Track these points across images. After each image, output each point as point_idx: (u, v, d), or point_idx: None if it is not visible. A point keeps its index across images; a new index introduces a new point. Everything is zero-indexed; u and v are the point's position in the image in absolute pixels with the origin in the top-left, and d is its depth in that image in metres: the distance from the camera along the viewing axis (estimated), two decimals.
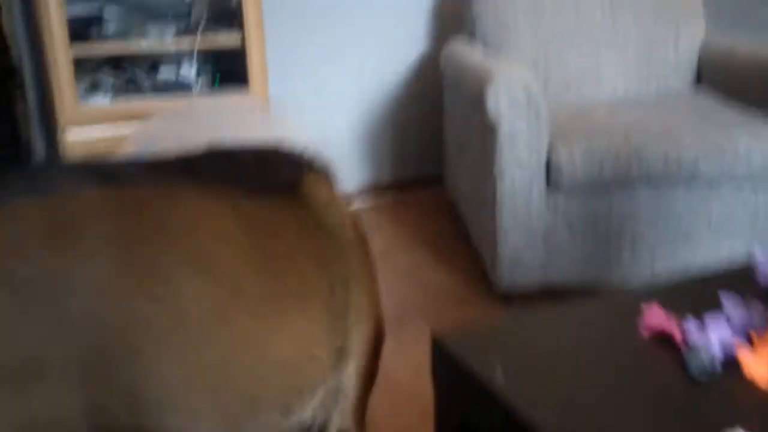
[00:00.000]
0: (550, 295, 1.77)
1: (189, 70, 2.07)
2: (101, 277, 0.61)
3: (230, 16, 1.97)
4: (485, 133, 1.69)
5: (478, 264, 1.95)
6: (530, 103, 1.59)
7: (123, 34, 1.90)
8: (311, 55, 2.40)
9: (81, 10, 1.85)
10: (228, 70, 2.06)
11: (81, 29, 1.81)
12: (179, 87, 2.00)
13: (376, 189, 2.61)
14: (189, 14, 1.98)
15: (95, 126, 1.79)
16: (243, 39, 1.89)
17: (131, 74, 2.01)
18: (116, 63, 2.01)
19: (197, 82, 2.03)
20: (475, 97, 1.71)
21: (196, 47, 1.94)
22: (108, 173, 0.69)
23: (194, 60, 2.04)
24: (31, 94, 2.18)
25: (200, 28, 1.94)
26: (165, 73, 2.03)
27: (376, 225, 2.38)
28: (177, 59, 2.04)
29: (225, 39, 1.92)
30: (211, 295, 0.66)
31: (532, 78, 1.65)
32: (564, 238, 1.66)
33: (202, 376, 0.64)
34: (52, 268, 0.60)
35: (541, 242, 1.67)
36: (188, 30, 1.95)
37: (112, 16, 1.91)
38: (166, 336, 0.62)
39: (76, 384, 0.59)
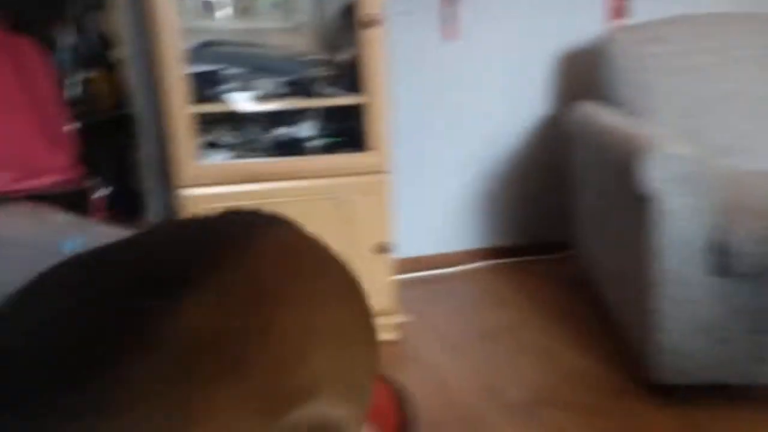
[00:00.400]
0: (714, 391, 1.53)
1: (307, 130, 2.00)
2: None
3: (352, 77, 1.89)
4: (633, 205, 1.51)
5: (622, 347, 1.74)
6: (692, 176, 1.40)
7: (243, 94, 1.85)
8: (432, 116, 2.33)
9: (202, 67, 1.81)
10: (347, 130, 1.98)
11: (201, 87, 1.78)
12: (297, 147, 1.93)
13: (496, 252, 2.48)
14: (310, 74, 1.91)
15: (212, 186, 1.73)
16: (365, 100, 1.80)
17: (248, 133, 1.96)
18: (233, 121, 1.97)
19: (315, 142, 1.95)
20: (620, 167, 1.54)
21: (316, 107, 1.87)
22: None
23: (313, 120, 1.98)
24: (148, 147, 2.17)
25: (320, 88, 1.87)
26: (282, 133, 1.97)
27: (500, 295, 2.22)
28: (295, 119, 1.98)
29: (346, 99, 1.84)
30: None
31: (691, 147, 1.46)
32: (734, 329, 1.43)
33: None
34: None
35: (707, 332, 1.44)
36: (308, 89, 1.88)
37: (232, 75, 1.87)
38: None
39: None
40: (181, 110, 1.65)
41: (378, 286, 1.93)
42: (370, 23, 1.70)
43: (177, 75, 1.63)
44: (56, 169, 1.77)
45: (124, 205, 3.11)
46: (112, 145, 3.18)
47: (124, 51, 3.30)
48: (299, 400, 0.28)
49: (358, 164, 1.84)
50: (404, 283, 2.16)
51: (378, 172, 1.85)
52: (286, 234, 0.35)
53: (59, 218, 1.30)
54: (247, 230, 0.34)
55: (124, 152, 3.23)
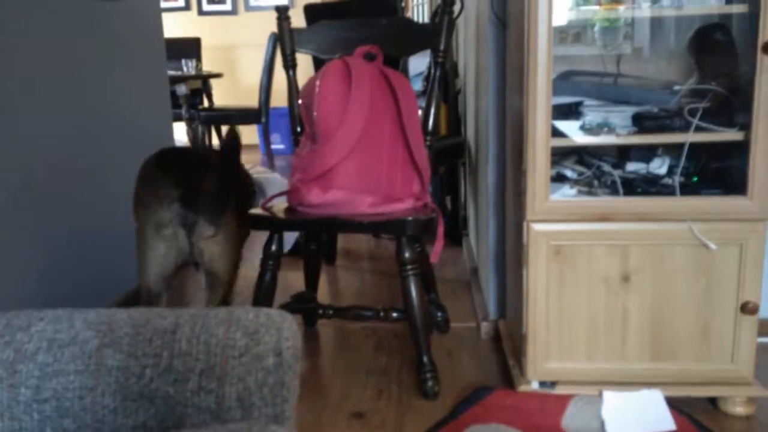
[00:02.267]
0: None
1: (660, 166, 1.83)
2: None
3: (723, 110, 1.68)
4: None
5: None
6: None
7: (596, 127, 1.76)
8: None
9: (563, 99, 1.76)
10: (708, 169, 1.77)
11: (558, 119, 1.73)
12: (649, 185, 1.77)
13: None
14: (674, 105, 1.75)
15: (560, 223, 1.67)
16: (746, 136, 1.58)
17: (596, 167, 1.85)
18: (581, 153, 1.88)
19: (670, 180, 1.77)
20: None
21: (673, 142, 1.69)
22: None
23: (668, 156, 1.80)
24: (490, 178, 2.19)
25: (683, 121, 1.68)
26: (634, 169, 1.83)
27: None
28: (648, 153, 1.83)
29: (723, 135, 1.63)
30: None
31: None
32: None
33: None
34: None
35: None
36: (670, 122, 1.71)
37: (589, 108, 1.79)
38: None
39: None
40: (543, 143, 1.61)
41: (737, 350, 1.68)
42: None
43: (543, 107, 1.60)
44: (410, 196, 1.86)
45: (449, 231, 3.23)
46: (445, 173, 3.33)
47: (461, 82, 3.46)
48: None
49: (726, 209, 1.62)
50: (760, 349, 1.86)
51: (751, 219, 1.61)
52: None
53: None
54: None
55: (453, 179, 3.36)
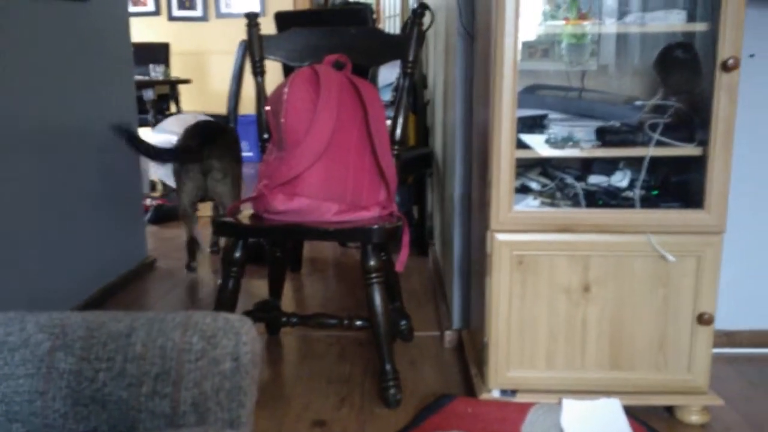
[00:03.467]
0: None
1: (622, 179, 1.87)
2: None
3: (683, 126, 1.73)
4: None
5: None
6: None
7: (561, 140, 1.79)
8: (756, 176, 2.06)
9: (528, 111, 1.79)
10: (668, 182, 1.81)
11: (523, 131, 1.75)
12: (611, 198, 1.80)
13: None
14: (637, 120, 1.78)
15: (523, 233, 1.69)
16: (704, 152, 1.62)
17: (560, 180, 1.88)
18: (544, 166, 1.91)
19: (631, 193, 1.81)
20: None
21: (634, 156, 1.73)
22: None
23: (629, 169, 1.83)
24: (456, 188, 2.21)
25: (645, 136, 1.72)
26: (596, 182, 1.86)
27: None
28: (610, 167, 1.86)
29: (684, 150, 1.67)
30: None
31: None
32: None
33: None
34: None
35: None
36: (633, 137, 1.75)
37: (553, 122, 1.82)
38: None
39: None
40: (507, 155, 1.63)
41: (693, 360, 1.71)
42: (731, 67, 1.52)
43: (508, 119, 1.62)
44: (377, 204, 1.87)
45: (415, 240, 3.24)
46: (412, 183, 3.35)
47: (430, 94, 3.48)
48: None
49: (684, 221, 1.66)
50: (715, 360, 1.91)
51: (708, 232, 1.65)
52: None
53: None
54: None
55: (420, 189, 3.38)
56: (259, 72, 2.12)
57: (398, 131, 2.01)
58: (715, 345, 1.72)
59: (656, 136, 1.69)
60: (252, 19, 2.10)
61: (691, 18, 1.72)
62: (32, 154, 2.21)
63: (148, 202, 4.09)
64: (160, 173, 3.62)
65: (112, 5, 2.80)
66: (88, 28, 2.60)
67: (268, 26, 2.31)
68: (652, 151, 1.69)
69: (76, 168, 2.49)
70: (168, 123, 3.82)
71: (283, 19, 2.98)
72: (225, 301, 1.85)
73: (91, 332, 0.74)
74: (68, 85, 2.45)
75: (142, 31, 5.84)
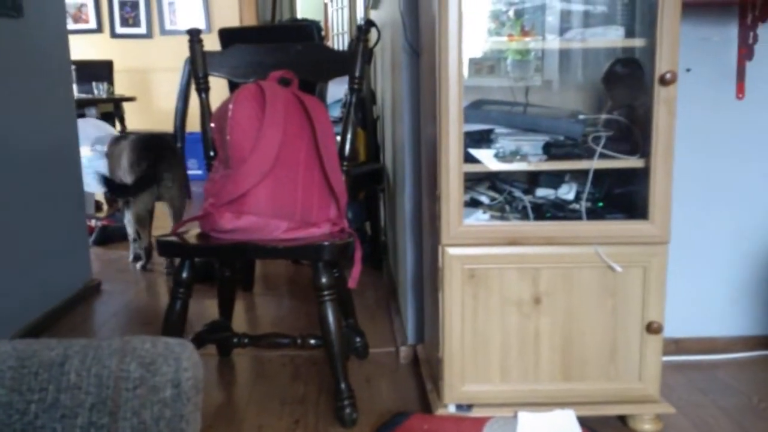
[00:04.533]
0: None
1: (568, 192, 1.90)
2: None
3: (626, 139, 1.76)
4: None
5: None
6: None
7: (509, 154, 1.81)
8: (708, 183, 2.12)
9: (473, 126, 1.80)
10: (612, 194, 1.84)
11: (470, 146, 1.76)
12: (558, 210, 1.83)
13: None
14: (580, 134, 1.82)
15: (474, 247, 1.69)
16: (646, 163, 1.65)
17: (508, 193, 1.90)
18: (492, 179, 1.92)
19: (577, 206, 1.84)
20: None
21: (579, 168, 1.76)
22: None
23: (575, 182, 1.86)
24: (407, 203, 2.20)
25: (588, 149, 1.75)
26: (543, 195, 1.88)
27: None
28: (556, 180, 1.89)
29: (626, 162, 1.70)
30: None
31: None
32: None
33: None
34: None
35: None
36: (576, 150, 1.78)
37: (501, 134, 1.84)
38: None
39: None
40: (456, 169, 1.64)
41: (644, 369, 1.73)
42: (669, 81, 1.56)
43: (455, 134, 1.63)
44: (327, 221, 1.85)
45: (369, 256, 3.23)
46: (364, 199, 3.34)
47: (379, 110, 3.49)
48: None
49: (629, 232, 1.69)
50: (664, 367, 1.94)
51: (653, 243, 1.68)
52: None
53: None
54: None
55: (373, 205, 3.37)
56: (203, 89, 2.08)
57: (347, 147, 2.00)
58: (664, 353, 1.75)
59: (599, 149, 1.72)
60: (194, 35, 2.06)
61: (630, 34, 1.77)
62: None
63: (92, 223, 3.97)
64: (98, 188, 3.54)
65: (49, 21, 2.72)
66: (24, 44, 2.52)
67: (213, 43, 2.27)
68: (596, 164, 1.72)
69: (15, 188, 2.40)
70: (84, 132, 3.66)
71: (227, 35, 2.95)
72: (173, 323, 1.80)
73: (22, 362, 0.70)
74: (3, 103, 2.36)
75: (85, 48, 5.70)
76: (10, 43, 2.41)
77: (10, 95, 2.40)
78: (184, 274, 1.81)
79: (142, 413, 0.67)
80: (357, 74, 1.99)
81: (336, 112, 3.40)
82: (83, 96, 4.57)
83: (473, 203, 1.85)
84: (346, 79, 2.02)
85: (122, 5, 5.94)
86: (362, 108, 3.27)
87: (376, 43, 2.92)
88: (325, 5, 8.52)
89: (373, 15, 3.72)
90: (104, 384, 0.68)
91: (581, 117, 1.88)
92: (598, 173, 1.77)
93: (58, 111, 2.79)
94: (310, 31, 2.97)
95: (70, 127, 2.92)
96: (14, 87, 2.44)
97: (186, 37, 2.08)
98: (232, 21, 5.69)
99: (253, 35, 3.26)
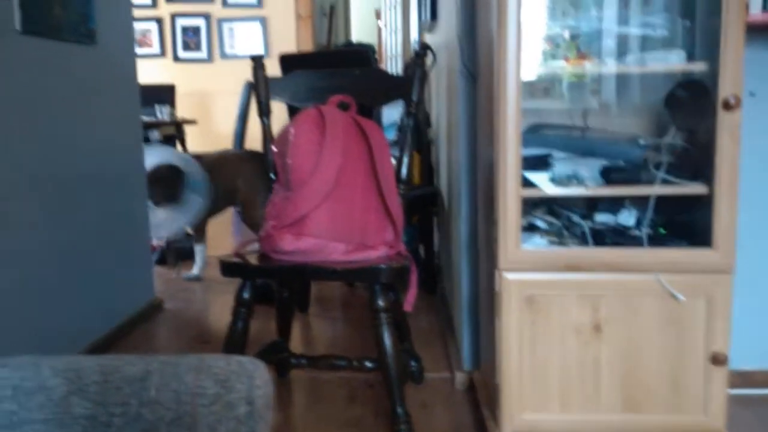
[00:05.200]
0: None
1: (628, 218, 1.87)
2: None
3: (688, 164, 1.74)
4: None
5: None
6: None
7: (566, 178, 1.80)
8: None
9: (531, 151, 1.80)
10: (675, 221, 1.81)
11: (528, 170, 1.76)
12: (618, 234, 1.80)
13: None
14: (642, 158, 1.79)
15: (531, 272, 1.68)
16: (710, 191, 1.62)
17: (566, 218, 1.88)
18: (550, 204, 1.91)
19: (637, 232, 1.81)
20: None
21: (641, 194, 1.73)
22: None
23: (636, 208, 1.84)
24: (463, 227, 2.21)
25: (650, 174, 1.73)
26: (602, 220, 1.86)
27: None
28: (616, 205, 1.86)
29: (689, 189, 1.67)
30: None
31: None
32: None
33: None
34: None
35: None
36: (638, 175, 1.76)
37: (558, 160, 1.83)
38: None
39: None
40: (514, 193, 1.64)
41: (708, 402, 1.68)
42: (732, 106, 1.54)
43: (513, 158, 1.63)
44: (384, 243, 1.87)
45: (423, 280, 3.23)
46: (418, 222, 3.35)
47: (433, 132, 3.51)
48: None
49: (693, 260, 1.65)
50: (729, 401, 1.88)
51: (717, 271, 1.64)
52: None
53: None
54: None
55: (427, 228, 3.38)
56: (265, 113, 2.14)
57: (404, 170, 2.02)
58: (730, 386, 1.70)
59: (661, 174, 1.69)
60: (258, 61, 2.13)
61: (691, 57, 1.74)
62: (41, 196, 2.23)
63: (155, 242, 4.10)
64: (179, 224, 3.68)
65: (120, 48, 2.85)
66: (97, 70, 2.64)
67: (271, 66, 2.34)
68: (657, 190, 1.69)
69: (83, 209, 2.50)
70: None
71: (287, 61, 3.02)
72: (235, 342, 1.84)
73: (106, 376, 0.73)
74: (77, 127, 2.48)
75: (149, 72, 5.92)
76: (84, 68, 2.54)
77: (83, 117, 2.52)
78: (246, 295, 1.85)
79: (217, 429, 0.69)
80: (414, 99, 2.02)
81: (391, 135, 3.44)
82: (147, 119, 4.74)
83: (530, 228, 1.84)
84: (399, 101, 2.05)
85: (185, 30, 6.15)
86: (417, 131, 3.29)
87: (431, 67, 2.96)
88: (379, 29, 8.65)
89: (428, 38, 3.77)
90: (182, 400, 0.71)
91: (642, 142, 1.85)
92: (660, 199, 1.74)
93: (126, 133, 2.91)
94: (367, 56, 3.03)
95: (137, 148, 3.04)
96: (87, 110, 2.55)
97: (244, 62, 2.15)
98: (289, 45, 5.82)
99: (312, 60, 3.34)
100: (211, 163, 3.60)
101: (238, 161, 3.66)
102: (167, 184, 3.43)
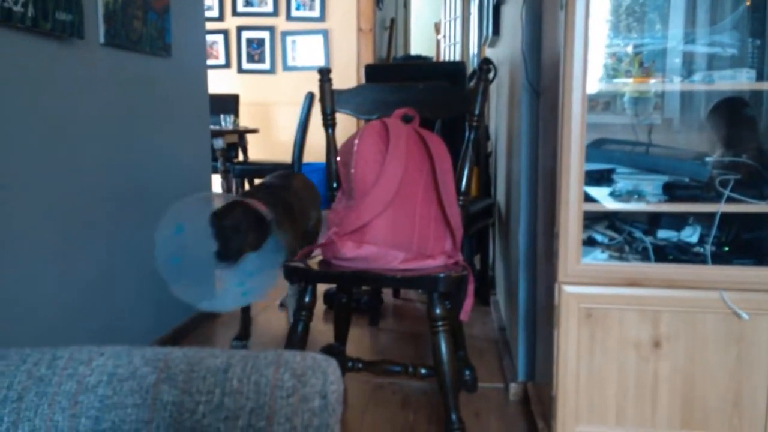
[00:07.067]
0: None
1: (692, 234, 1.85)
2: None
3: (755, 183, 1.71)
4: None
5: None
6: None
7: (628, 193, 1.80)
8: None
9: (594, 165, 1.81)
10: (741, 239, 1.79)
11: (590, 185, 1.77)
12: (681, 251, 1.79)
13: None
14: (705, 175, 1.78)
15: (591, 286, 1.69)
16: None
17: (627, 233, 1.88)
18: (611, 218, 1.91)
19: (702, 248, 1.79)
20: None
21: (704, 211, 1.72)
22: None
23: (699, 225, 1.82)
24: (522, 239, 2.22)
25: (714, 191, 1.71)
26: (665, 236, 1.85)
27: None
28: (679, 221, 1.85)
29: (746, 207, 1.65)
30: None
31: None
32: None
33: None
34: None
35: None
36: (700, 192, 1.74)
37: (620, 175, 1.83)
38: None
39: None
40: (575, 207, 1.65)
41: None
42: None
43: (576, 172, 1.64)
44: (442, 253, 1.90)
45: (477, 291, 3.24)
46: (474, 233, 3.37)
47: (492, 145, 3.53)
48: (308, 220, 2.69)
49: (758, 279, 1.63)
50: None
51: None
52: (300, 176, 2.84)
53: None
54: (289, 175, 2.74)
55: (483, 239, 3.40)
56: (329, 124, 2.21)
57: (464, 182, 2.05)
58: None
59: (727, 192, 1.68)
60: (324, 74, 2.20)
61: (760, 76, 1.73)
62: (120, 204, 2.35)
63: None
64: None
65: (192, 60, 2.97)
66: (173, 81, 2.77)
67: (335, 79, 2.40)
68: (722, 208, 1.67)
69: (153, 214, 2.62)
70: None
71: (373, 70, 3.10)
72: (295, 343, 1.90)
73: (192, 366, 0.79)
74: (154, 136, 2.60)
75: (214, 82, 6.13)
76: (161, 79, 2.66)
77: (158, 125, 2.64)
78: (307, 298, 1.91)
79: (294, 420, 0.74)
80: (476, 112, 2.05)
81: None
82: (212, 127, 4.90)
83: (591, 242, 1.84)
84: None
85: (249, 43, 6.33)
86: (476, 144, 3.32)
87: (492, 80, 2.98)
88: (438, 42, 8.70)
89: (489, 52, 3.79)
90: (262, 391, 0.76)
91: (707, 159, 1.84)
92: (725, 216, 1.72)
93: (196, 142, 3.03)
94: (461, 70, 3.05)
95: (204, 156, 3.15)
96: (163, 118, 2.68)
97: (305, 73, 2.24)
98: (350, 58, 5.93)
99: (397, 72, 3.39)
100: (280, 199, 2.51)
101: (304, 187, 2.79)
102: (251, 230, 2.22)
